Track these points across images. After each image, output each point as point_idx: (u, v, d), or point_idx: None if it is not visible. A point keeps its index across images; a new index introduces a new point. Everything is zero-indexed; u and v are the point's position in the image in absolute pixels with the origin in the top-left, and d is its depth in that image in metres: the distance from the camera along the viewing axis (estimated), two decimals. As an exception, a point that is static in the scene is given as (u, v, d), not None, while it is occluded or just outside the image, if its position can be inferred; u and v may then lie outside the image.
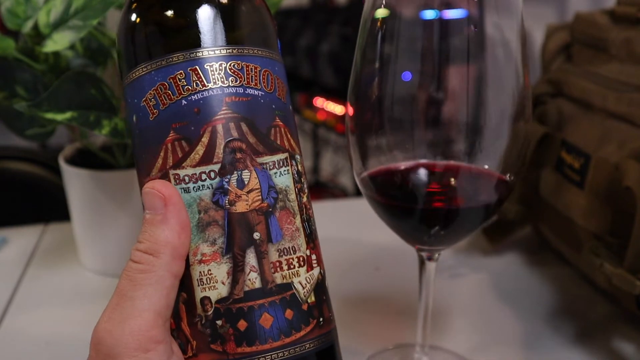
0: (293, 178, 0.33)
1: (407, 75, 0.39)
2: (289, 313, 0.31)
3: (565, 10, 1.52)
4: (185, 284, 0.31)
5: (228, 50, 0.32)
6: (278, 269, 0.31)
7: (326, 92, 2.37)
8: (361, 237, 0.69)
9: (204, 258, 0.31)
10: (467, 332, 0.53)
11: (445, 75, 0.38)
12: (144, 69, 0.32)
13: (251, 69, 0.32)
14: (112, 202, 0.57)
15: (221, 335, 0.31)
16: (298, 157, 0.34)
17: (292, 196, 0.33)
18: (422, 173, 0.41)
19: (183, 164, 0.31)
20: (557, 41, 0.65)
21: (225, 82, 0.32)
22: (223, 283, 0.31)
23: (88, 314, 0.44)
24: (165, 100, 0.31)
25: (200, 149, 0.31)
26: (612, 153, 0.49)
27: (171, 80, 0.31)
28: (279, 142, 0.33)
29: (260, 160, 0.32)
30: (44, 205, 0.90)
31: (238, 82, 0.32)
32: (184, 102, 0.31)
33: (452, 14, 0.37)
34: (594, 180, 0.50)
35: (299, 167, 0.34)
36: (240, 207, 0.31)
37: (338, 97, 2.31)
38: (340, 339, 0.35)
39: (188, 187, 0.31)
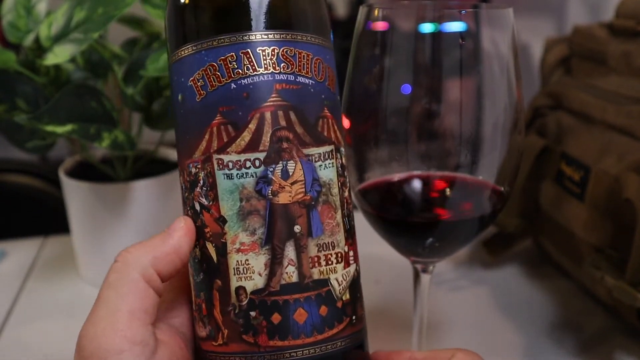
0: (337, 171, 0.32)
1: (401, 88, 0.39)
2: (323, 310, 0.31)
3: (564, 24, 1.53)
4: (221, 271, 0.31)
5: (281, 35, 0.31)
6: (316, 264, 0.31)
7: (326, 105, 2.37)
8: (362, 249, 0.68)
9: (242, 247, 0.30)
10: (467, 345, 0.52)
11: (439, 87, 0.38)
12: (193, 48, 0.31)
13: (303, 56, 0.31)
14: (112, 214, 0.57)
15: (254, 326, 0.30)
16: (342, 149, 0.33)
17: (335, 190, 0.32)
18: (416, 185, 0.41)
19: (228, 149, 0.30)
20: (556, 54, 0.65)
21: (277, 68, 0.31)
22: (260, 274, 0.30)
23: (87, 327, 0.43)
24: (214, 82, 0.31)
25: (246, 136, 0.30)
26: (612, 165, 0.49)
27: (221, 62, 0.30)
28: (325, 133, 0.32)
29: (306, 151, 0.31)
30: (44, 218, 0.90)
31: (290, 69, 0.31)
32: (233, 85, 0.30)
33: (446, 27, 0.38)
34: (594, 193, 0.50)
35: (343, 160, 0.33)
36: (283, 198, 0.30)
37: (338, 110, 2.31)
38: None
39: (231, 174, 0.30)
